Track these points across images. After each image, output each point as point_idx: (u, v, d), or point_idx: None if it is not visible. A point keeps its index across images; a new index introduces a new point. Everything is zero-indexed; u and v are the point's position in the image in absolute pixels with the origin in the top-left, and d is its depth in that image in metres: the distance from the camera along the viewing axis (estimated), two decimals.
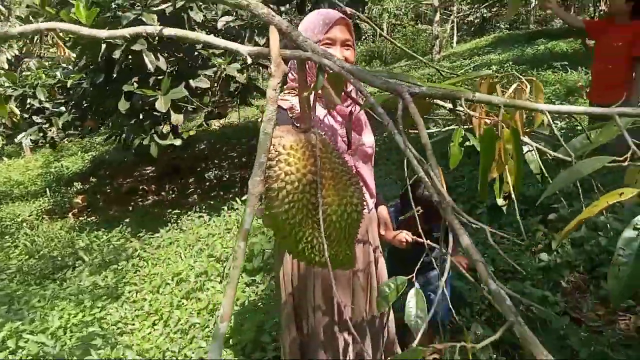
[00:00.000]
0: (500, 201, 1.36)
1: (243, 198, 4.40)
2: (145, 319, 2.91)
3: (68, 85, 4.28)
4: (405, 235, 1.77)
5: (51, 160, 9.15)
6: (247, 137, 7.61)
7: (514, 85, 1.08)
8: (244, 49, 1.04)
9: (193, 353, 2.44)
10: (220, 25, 3.84)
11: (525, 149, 1.20)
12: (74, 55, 2.68)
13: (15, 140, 5.72)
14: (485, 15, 16.96)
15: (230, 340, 2.53)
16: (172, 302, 2.98)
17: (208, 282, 3.12)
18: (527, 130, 1.29)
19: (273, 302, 2.77)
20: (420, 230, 1.07)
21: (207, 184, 6.00)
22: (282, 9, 4.36)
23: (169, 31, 1.08)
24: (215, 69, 3.82)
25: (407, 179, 1.88)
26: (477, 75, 1.24)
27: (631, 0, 3.00)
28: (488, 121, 1.19)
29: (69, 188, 7.01)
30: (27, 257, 4.42)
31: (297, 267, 1.69)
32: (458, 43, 15.59)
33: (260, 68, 5.80)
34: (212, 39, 1.09)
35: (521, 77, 1.15)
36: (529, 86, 1.07)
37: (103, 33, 1.09)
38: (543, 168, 1.28)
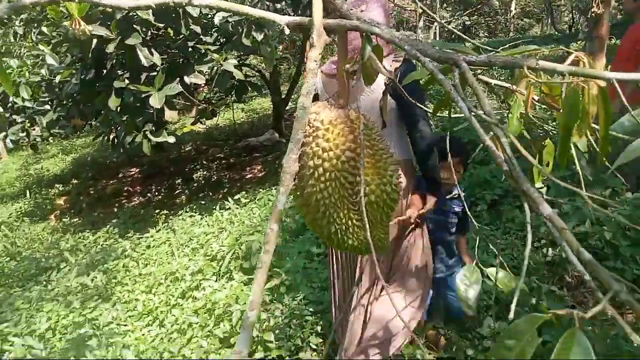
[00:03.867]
0: (538, 184, 1.33)
1: (235, 197, 4.31)
2: (139, 319, 2.79)
3: (57, 81, 4.13)
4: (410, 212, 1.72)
5: (30, 162, 8.87)
6: (234, 139, 7.51)
7: (571, 57, 1.04)
8: (282, 19, 0.98)
9: (192, 353, 2.34)
10: (217, 20, 3.76)
11: None
12: (90, 28, 2.56)
13: None
14: (466, 23, 17.23)
15: (231, 340, 2.44)
16: (167, 301, 2.87)
17: (204, 281, 3.01)
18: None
19: (274, 300, 2.69)
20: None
21: (195, 184, 5.87)
22: (278, 6, 4.31)
23: (199, 0, 1.01)
24: (211, 64, 3.72)
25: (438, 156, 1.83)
26: (524, 51, 1.21)
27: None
28: (536, 97, 1.16)
29: (50, 190, 6.79)
30: (7, 259, 4.23)
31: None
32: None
33: (254, 67, 5.73)
34: (247, 9, 1.03)
35: (573, 51, 1.12)
36: (585, 59, 1.03)
37: (127, 3, 1.01)
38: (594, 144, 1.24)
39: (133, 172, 7.27)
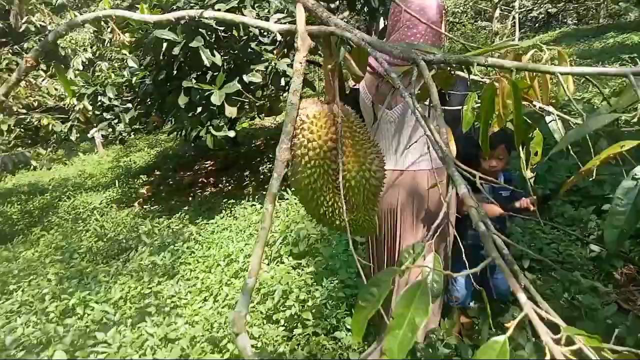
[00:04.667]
0: (528, 173, 1.38)
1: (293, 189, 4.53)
2: (197, 294, 3.10)
3: (133, 83, 4.61)
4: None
5: (121, 155, 9.82)
6: None
7: (531, 52, 1.10)
8: (275, 27, 1.14)
9: None
10: (272, 21, 4.00)
11: (548, 118, 1.21)
12: (128, 38, 2.91)
13: (88, 135, 6.23)
14: (549, 10, 16.18)
15: (273, 317, 2.65)
16: (222, 280, 3.16)
17: None
18: (554, 102, 1.29)
19: (315, 283, 2.87)
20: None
21: (262, 176, 6.21)
22: (332, 5, 4.47)
23: (208, 14, 1.20)
24: (266, 63, 3.97)
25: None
26: (503, 46, 1.27)
27: None
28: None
29: (135, 180, 7.52)
30: (96, 239, 4.80)
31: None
32: (520, 39, 14.99)
33: (312, 65, 5.95)
34: (247, 19, 1.19)
35: (544, 47, 1.17)
36: (547, 53, 1.08)
37: (152, 18, 1.23)
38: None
39: (208, 165, 7.81)
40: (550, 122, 1.13)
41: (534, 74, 1.10)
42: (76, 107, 5.28)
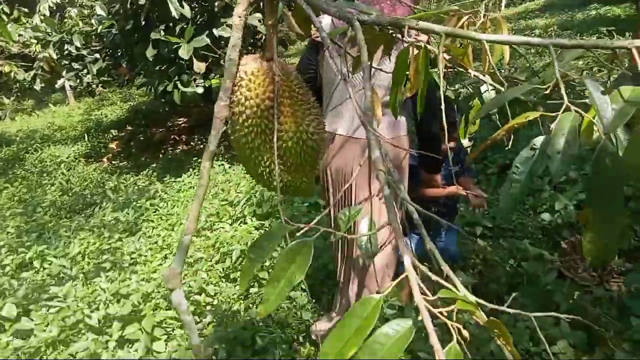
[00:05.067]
0: (465, 142, 1.39)
1: None
2: (158, 252, 3.11)
3: (100, 32, 4.43)
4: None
5: (92, 108, 9.54)
6: None
7: (466, 17, 1.08)
8: None
9: (195, 282, 2.61)
10: None
11: (483, 88, 1.21)
12: None
13: (56, 85, 6.01)
14: None
15: (231, 275, 2.68)
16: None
17: (218, 223, 3.27)
18: (492, 71, 1.28)
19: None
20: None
21: None
22: None
23: None
24: None
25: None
26: (448, 10, 1.25)
27: None
28: (446, 56, 1.21)
29: (106, 135, 7.34)
30: (61, 194, 4.73)
31: None
32: (507, 7, 14.83)
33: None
34: None
35: (486, 13, 1.15)
36: (482, 20, 1.07)
37: None
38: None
39: (181, 122, 7.66)
40: (484, 92, 1.13)
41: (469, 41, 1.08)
42: (40, 55, 5.06)
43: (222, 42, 4.09)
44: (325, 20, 1.75)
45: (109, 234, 3.26)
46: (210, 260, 2.79)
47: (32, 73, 4.98)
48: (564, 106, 0.64)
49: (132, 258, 3.01)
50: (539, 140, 0.69)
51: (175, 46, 3.82)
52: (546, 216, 2.69)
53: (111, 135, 7.25)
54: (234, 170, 4.39)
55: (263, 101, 1.06)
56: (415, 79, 0.76)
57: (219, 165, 4.63)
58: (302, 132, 1.12)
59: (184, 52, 3.72)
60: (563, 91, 0.65)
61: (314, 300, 2.42)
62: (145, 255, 3.07)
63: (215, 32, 3.93)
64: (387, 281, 2.10)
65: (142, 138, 7.07)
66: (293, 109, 1.10)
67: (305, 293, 2.49)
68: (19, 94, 5.74)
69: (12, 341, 2.12)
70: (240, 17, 1.03)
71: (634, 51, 0.65)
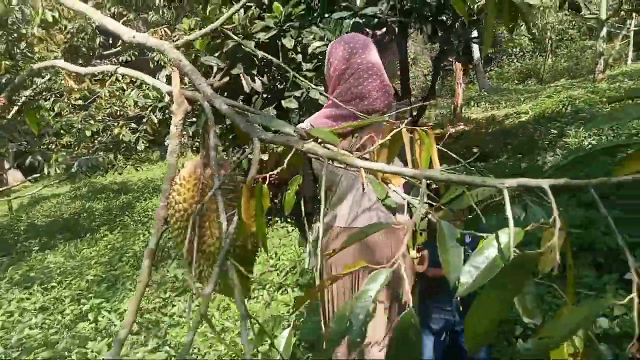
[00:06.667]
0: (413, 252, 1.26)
1: None
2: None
3: None
4: None
5: None
6: None
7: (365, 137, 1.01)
8: (165, 88, 1.19)
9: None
10: (310, 50, 4.05)
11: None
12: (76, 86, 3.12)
13: (165, 144, 6.77)
14: None
15: None
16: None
17: (260, 290, 3.32)
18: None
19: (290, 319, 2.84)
20: None
21: None
22: (378, 33, 4.41)
23: (121, 70, 1.30)
24: (301, 90, 4.03)
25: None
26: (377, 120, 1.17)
27: None
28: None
29: None
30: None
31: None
32: (634, 61, 13.42)
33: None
34: (146, 77, 1.26)
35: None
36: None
37: (82, 70, 1.36)
38: None
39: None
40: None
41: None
42: (145, 120, 5.77)
43: (289, 112, 4.31)
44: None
45: (156, 293, 3.48)
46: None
47: (137, 135, 5.67)
48: None
49: (171, 318, 3.16)
50: None
51: None
52: None
53: None
54: (295, 234, 4.46)
55: (191, 206, 1.09)
56: None
57: (282, 227, 4.74)
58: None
59: None
60: None
61: None
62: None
63: (284, 103, 4.15)
64: None
65: None
66: (220, 217, 1.11)
67: None
68: (126, 152, 6.58)
69: None
70: (176, 126, 1.09)
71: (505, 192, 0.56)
